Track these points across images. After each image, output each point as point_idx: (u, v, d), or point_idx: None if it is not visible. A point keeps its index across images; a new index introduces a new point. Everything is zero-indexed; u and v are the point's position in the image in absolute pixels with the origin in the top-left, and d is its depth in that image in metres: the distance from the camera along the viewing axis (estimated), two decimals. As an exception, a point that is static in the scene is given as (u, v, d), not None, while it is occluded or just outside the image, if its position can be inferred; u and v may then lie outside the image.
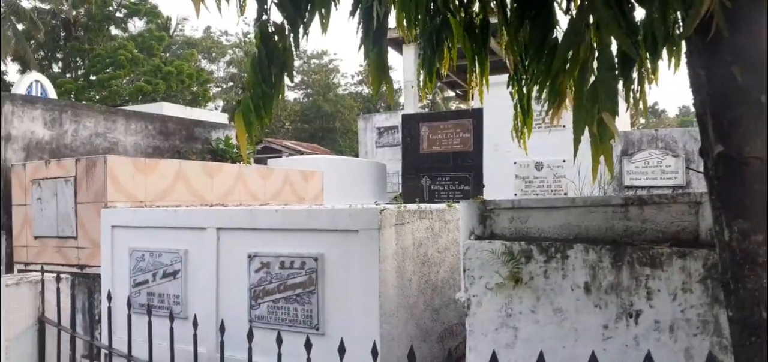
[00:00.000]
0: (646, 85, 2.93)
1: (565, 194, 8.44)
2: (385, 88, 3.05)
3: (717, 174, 1.88)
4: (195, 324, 3.39)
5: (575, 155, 1.92)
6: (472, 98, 11.82)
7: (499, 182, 9.61)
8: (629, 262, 2.94)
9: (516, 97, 3.66)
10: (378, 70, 2.96)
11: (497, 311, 3.37)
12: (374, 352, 2.43)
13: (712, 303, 2.70)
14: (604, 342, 2.96)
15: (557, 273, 3.17)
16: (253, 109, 2.83)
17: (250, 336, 3.00)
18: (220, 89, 41.38)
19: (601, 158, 2.12)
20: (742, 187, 1.82)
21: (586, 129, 2.04)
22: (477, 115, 10.86)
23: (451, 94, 29.93)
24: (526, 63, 3.24)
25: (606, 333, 2.97)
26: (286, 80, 2.95)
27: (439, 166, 11.74)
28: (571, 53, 2.06)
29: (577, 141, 1.92)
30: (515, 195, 9.37)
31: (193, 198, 6.81)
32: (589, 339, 2.99)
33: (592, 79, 1.94)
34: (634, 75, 2.72)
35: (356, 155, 20.24)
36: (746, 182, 1.81)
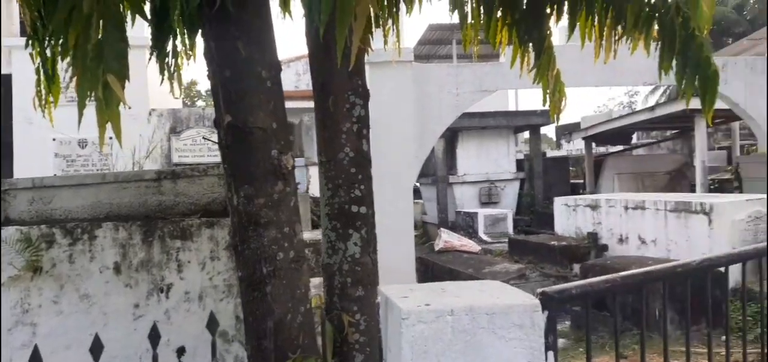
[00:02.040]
0: (183, 60, 2.89)
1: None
2: None
3: (227, 143, 1.98)
4: None
5: (80, 121, 1.71)
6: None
7: (35, 161, 8.33)
8: (161, 237, 2.89)
9: (38, 59, 3.14)
10: None
11: (11, 308, 2.85)
12: None
13: (236, 268, 2.91)
14: (135, 322, 2.84)
15: (84, 256, 2.87)
16: None
17: None
18: None
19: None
20: (248, 155, 1.96)
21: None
22: (5, 82, 9.12)
23: (-25, 56, 24.48)
24: (47, 20, 2.80)
25: (137, 312, 2.85)
26: None
27: (-50, 143, 9.39)
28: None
29: (81, 105, 1.71)
30: (55, 175, 8.30)
31: None
32: (119, 321, 2.82)
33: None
34: (169, 48, 2.65)
35: None
36: (251, 150, 1.95)
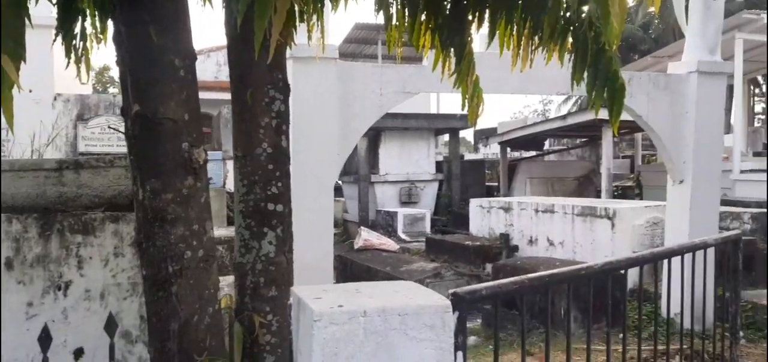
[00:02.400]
0: (92, 44, 2.71)
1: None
2: None
3: (134, 133, 1.87)
4: None
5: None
6: None
7: None
8: (60, 231, 2.69)
9: None
10: None
11: None
12: None
13: (141, 266, 2.77)
14: (28, 322, 2.64)
15: (-30, 250, 2.63)
16: None
17: None
18: None
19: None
20: (156, 147, 1.86)
21: None
22: None
23: None
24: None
25: (31, 310, 2.65)
26: None
27: None
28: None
29: (-33, 85, 1.56)
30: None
31: None
32: (10, 321, 2.61)
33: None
34: (77, 30, 2.47)
35: None
36: (160, 142, 1.86)
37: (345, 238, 15.35)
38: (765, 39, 10.33)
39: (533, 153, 20.16)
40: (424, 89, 6.20)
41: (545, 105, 32.63)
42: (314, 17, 2.97)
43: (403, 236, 13.17)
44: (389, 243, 10.70)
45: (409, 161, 15.98)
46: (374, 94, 5.91)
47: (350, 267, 9.61)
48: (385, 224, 14.02)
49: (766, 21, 9.87)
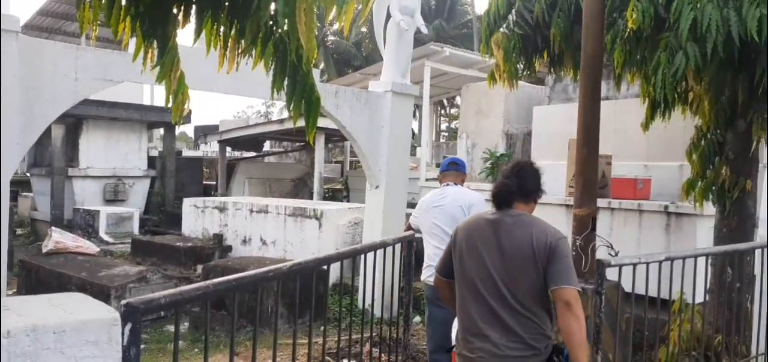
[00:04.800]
0: None
1: None
2: None
3: None
4: None
5: None
6: None
7: None
8: None
9: None
10: None
11: None
12: None
13: None
14: None
15: None
16: None
17: None
18: None
19: None
20: None
21: None
22: None
23: None
24: None
25: None
26: None
27: None
28: None
29: None
30: None
31: None
32: None
33: None
34: None
35: None
36: None
37: (33, 240, 13.27)
38: (448, 69, 12.26)
39: (253, 153, 20.33)
40: (129, 79, 5.73)
41: (268, 107, 33.24)
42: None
43: (106, 237, 11.96)
44: (87, 246, 9.59)
45: (117, 155, 14.59)
46: (68, 78, 5.23)
47: (36, 274, 8.31)
48: (85, 224, 12.54)
49: (448, 53, 11.72)
